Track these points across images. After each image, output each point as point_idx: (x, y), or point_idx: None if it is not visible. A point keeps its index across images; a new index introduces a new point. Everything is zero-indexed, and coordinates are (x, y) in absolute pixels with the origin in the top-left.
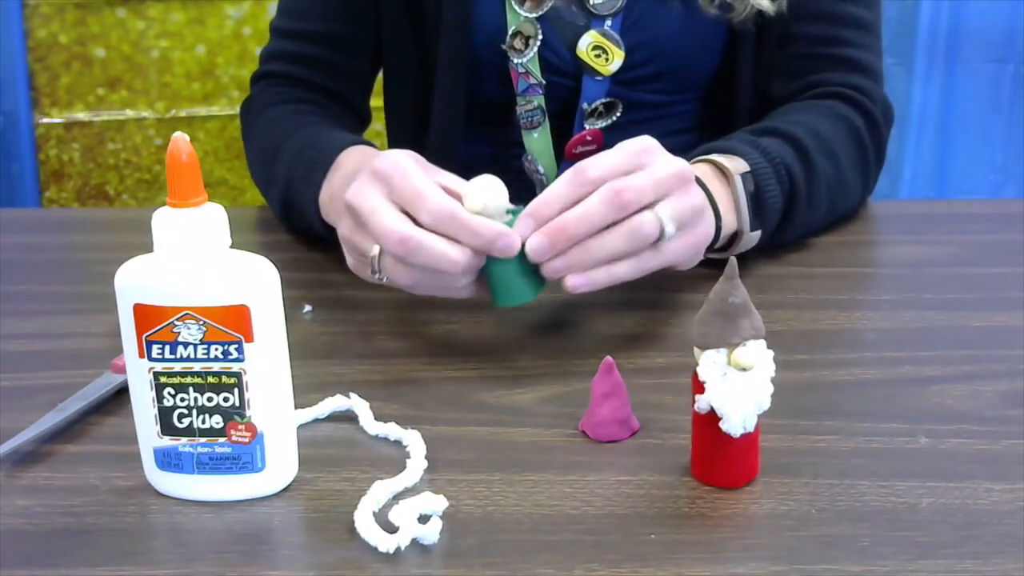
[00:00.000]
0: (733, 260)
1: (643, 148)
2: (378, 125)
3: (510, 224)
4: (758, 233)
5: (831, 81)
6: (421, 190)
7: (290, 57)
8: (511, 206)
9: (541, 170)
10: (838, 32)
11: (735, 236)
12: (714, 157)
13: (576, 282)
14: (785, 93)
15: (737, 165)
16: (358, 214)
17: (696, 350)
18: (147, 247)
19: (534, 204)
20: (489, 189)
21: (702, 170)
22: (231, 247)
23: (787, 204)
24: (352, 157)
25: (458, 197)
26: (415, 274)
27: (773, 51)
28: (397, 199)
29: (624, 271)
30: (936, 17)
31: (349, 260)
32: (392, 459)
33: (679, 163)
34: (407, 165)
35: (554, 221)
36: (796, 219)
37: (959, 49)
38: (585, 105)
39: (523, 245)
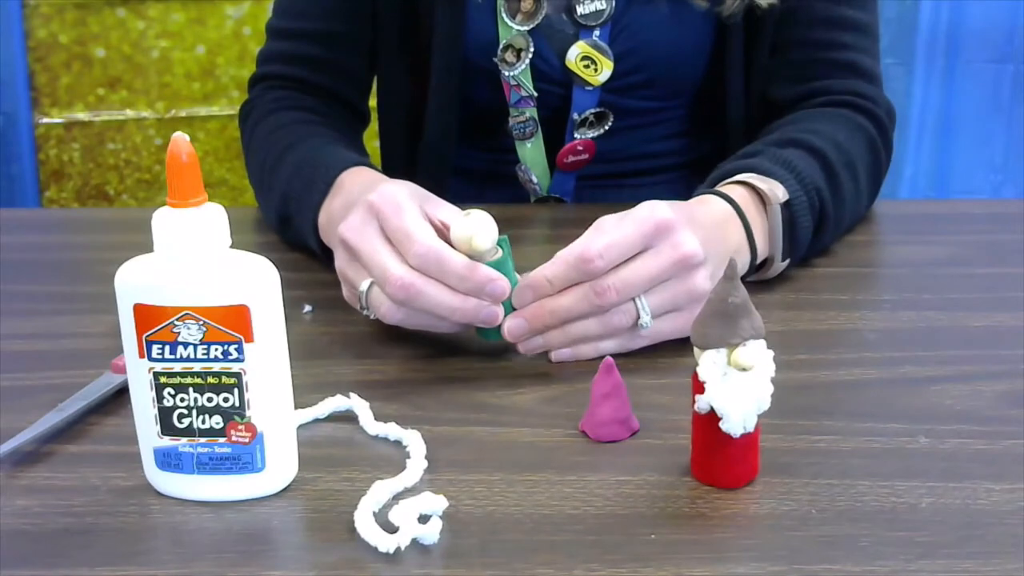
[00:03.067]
0: (733, 260)
1: (657, 229)
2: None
3: (500, 261)
4: (787, 263)
5: (835, 88)
6: (411, 231)
7: (288, 57)
8: (498, 237)
9: (535, 179)
10: (836, 36)
11: (763, 262)
12: (752, 180)
13: (563, 355)
14: (787, 98)
15: (776, 191)
16: (353, 251)
17: (696, 350)
18: (147, 247)
19: (536, 276)
20: (482, 226)
21: (740, 195)
22: (231, 247)
23: (815, 230)
24: (354, 180)
25: (447, 229)
26: (406, 314)
27: (769, 56)
28: (390, 236)
29: (610, 347)
30: (936, 17)
31: (344, 291)
32: (392, 459)
33: (686, 248)
34: (402, 201)
35: (533, 305)
36: (820, 243)
37: (959, 49)
38: (575, 115)
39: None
